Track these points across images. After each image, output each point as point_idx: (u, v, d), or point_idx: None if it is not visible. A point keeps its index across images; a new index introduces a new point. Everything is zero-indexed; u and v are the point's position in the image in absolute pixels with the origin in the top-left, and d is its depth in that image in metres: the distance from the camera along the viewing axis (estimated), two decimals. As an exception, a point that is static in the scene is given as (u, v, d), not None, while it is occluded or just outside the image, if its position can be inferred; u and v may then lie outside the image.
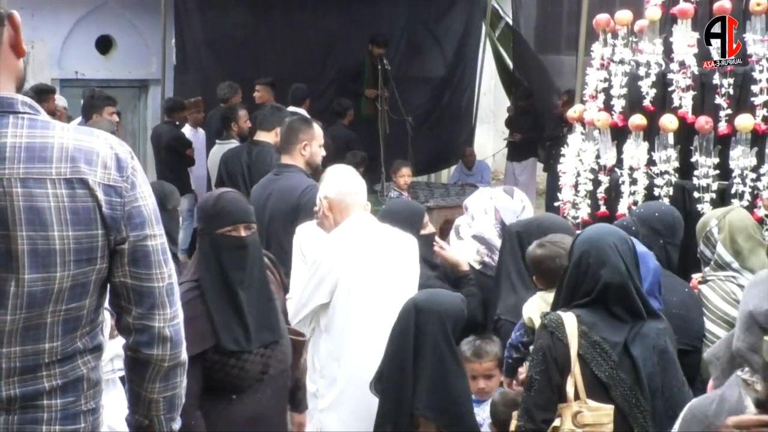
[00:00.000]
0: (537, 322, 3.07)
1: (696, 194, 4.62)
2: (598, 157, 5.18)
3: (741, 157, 4.51)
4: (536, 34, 11.68)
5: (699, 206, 4.54)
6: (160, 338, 1.99)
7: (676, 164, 4.74)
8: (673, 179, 4.73)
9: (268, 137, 6.58)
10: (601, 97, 5.27)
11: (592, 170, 5.17)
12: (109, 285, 1.97)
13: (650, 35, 4.98)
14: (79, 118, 7.35)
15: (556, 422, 2.83)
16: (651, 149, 4.85)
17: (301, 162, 4.89)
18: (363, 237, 3.76)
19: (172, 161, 8.87)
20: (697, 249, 3.80)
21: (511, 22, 11.22)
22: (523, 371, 3.34)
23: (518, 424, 2.95)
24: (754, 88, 4.52)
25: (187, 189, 8.58)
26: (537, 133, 10.58)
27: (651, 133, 4.88)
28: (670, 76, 4.80)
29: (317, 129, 5.03)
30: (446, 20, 11.56)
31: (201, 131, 9.25)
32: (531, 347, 3.06)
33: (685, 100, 4.72)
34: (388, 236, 3.84)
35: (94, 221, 1.86)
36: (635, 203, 4.79)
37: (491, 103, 13.27)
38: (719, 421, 2.18)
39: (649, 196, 4.75)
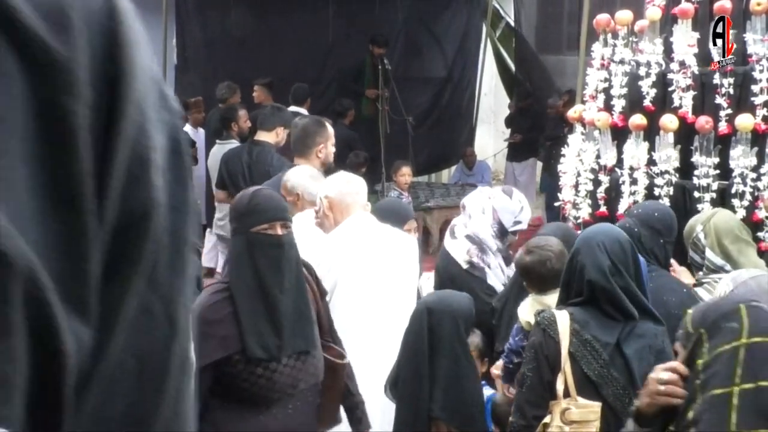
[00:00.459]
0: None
1: (696, 194, 4.62)
2: (598, 157, 5.18)
3: (741, 157, 4.51)
4: (537, 34, 11.70)
5: (699, 206, 4.54)
6: None
7: (677, 164, 4.75)
8: (674, 179, 4.73)
9: (269, 137, 6.59)
10: (602, 97, 5.28)
11: (593, 170, 5.17)
12: None
13: (650, 35, 4.99)
14: None
15: (546, 419, 2.86)
16: (651, 149, 4.85)
17: (317, 164, 4.85)
18: (363, 237, 3.77)
19: (173, 161, 8.88)
20: (687, 256, 3.81)
21: (512, 23, 11.23)
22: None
23: (511, 420, 2.99)
24: (755, 88, 4.53)
25: (188, 189, 8.59)
26: (537, 133, 10.59)
27: (651, 133, 4.89)
28: (670, 76, 4.80)
29: (330, 129, 5.06)
30: (446, 20, 11.57)
31: (201, 131, 9.25)
32: None
33: (685, 100, 4.72)
34: (387, 236, 3.84)
35: None
36: (635, 203, 4.79)
37: (492, 103, 13.27)
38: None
39: (650, 196, 4.75)
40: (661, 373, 2.24)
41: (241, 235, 2.93)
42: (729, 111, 4.58)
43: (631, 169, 4.91)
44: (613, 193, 5.03)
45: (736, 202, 4.43)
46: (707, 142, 4.64)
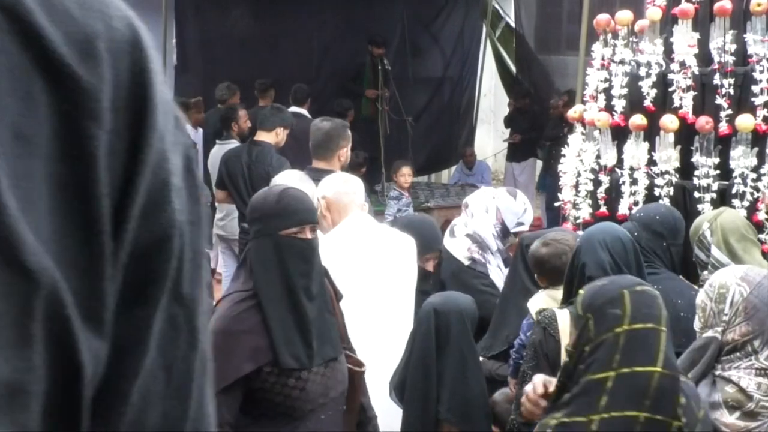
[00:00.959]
0: None
1: (696, 194, 4.61)
2: (598, 157, 5.18)
3: (741, 158, 4.51)
4: (536, 34, 11.69)
5: (699, 206, 4.54)
6: None
7: (677, 164, 4.74)
8: (674, 179, 4.73)
9: (269, 137, 6.59)
10: (602, 97, 5.27)
11: (593, 170, 5.17)
12: None
13: (651, 35, 4.98)
14: None
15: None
16: (651, 149, 4.84)
17: (337, 167, 4.80)
18: (360, 237, 3.76)
19: (175, 161, 8.87)
20: (692, 254, 3.81)
21: (512, 23, 11.23)
22: None
23: (511, 417, 2.98)
24: (755, 89, 4.52)
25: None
26: (536, 133, 10.59)
27: (651, 133, 4.88)
28: (670, 76, 4.80)
29: (349, 131, 5.07)
30: (445, 20, 11.57)
31: (201, 131, 9.25)
32: None
33: (685, 101, 4.72)
34: (385, 236, 3.84)
35: None
36: (636, 203, 4.79)
37: (491, 104, 13.27)
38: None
39: (650, 196, 4.75)
40: (528, 387, 2.42)
41: (267, 237, 2.75)
42: (729, 111, 4.57)
43: (632, 169, 4.91)
44: (614, 194, 5.03)
45: (736, 202, 4.42)
46: (707, 142, 4.63)
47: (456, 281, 4.16)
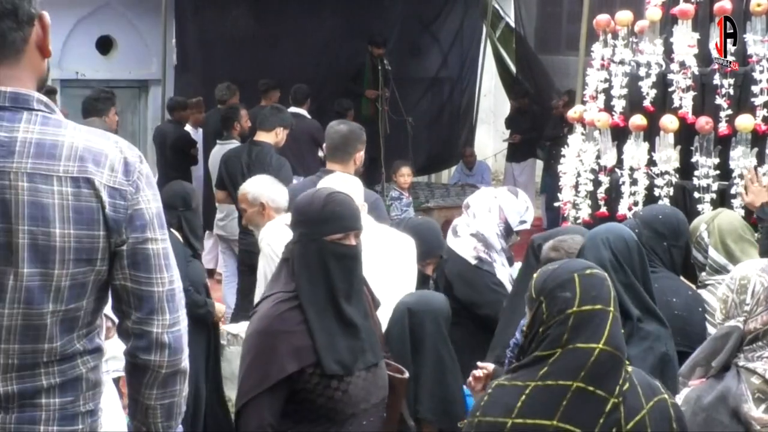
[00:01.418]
0: None
1: (696, 195, 4.61)
2: (598, 157, 5.18)
3: (741, 158, 4.51)
4: (536, 35, 11.69)
5: (699, 207, 4.53)
6: (158, 344, 1.97)
7: (677, 165, 4.74)
8: (674, 180, 4.73)
9: (268, 137, 6.59)
10: (602, 97, 5.27)
11: (593, 171, 5.17)
12: (111, 289, 1.97)
13: (650, 36, 4.98)
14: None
15: None
16: (651, 150, 4.84)
17: (352, 170, 4.75)
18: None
19: (176, 160, 8.88)
20: (690, 255, 3.81)
21: (512, 23, 11.24)
22: None
23: None
24: (755, 89, 4.52)
25: (189, 188, 8.59)
26: (536, 133, 10.59)
27: (651, 133, 4.88)
28: (670, 76, 4.80)
29: (364, 134, 5.03)
30: (444, 20, 11.58)
31: (201, 131, 9.26)
32: None
33: (685, 101, 4.72)
34: (384, 236, 3.84)
35: (96, 222, 1.86)
36: (635, 204, 4.79)
37: (491, 104, 13.28)
38: (716, 412, 2.45)
39: (650, 196, 4.75)
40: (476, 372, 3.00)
41: (312, 242, 2.74)
42: (729, 112, 4.57)
43: (631, 169, 4.91)
44: (613, 194, 5.03)
45: (736, 202, 4.42)
46: (707, 142, 4.63)
47: (464, 280, 4.17)
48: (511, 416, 2.13)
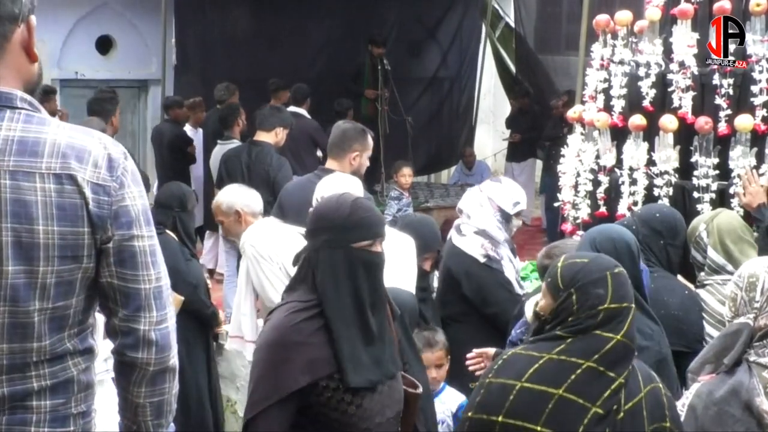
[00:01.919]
0: None
1: (696, 195, 4.62)
2: (597, 157, 5.18)
3: (741, 158, 4.51)
4: (536, 34, 11.69)
5: (698, 207, 4.54)
6: (145, 341, 1.95)
7: (676, 164, 4.74)
8: (673, 179, 4.73)
9: (268, 137, 6.58)
10: (601, 97, 5.28)
11: (592, 170, 5.17)
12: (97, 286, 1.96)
13: (650, 36, 4.98)
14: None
15: None
16: (651, 149, 4.85)
17: (348, 170, 4.70)
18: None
19: (173, 159, 8.88)
20: (689, 255, 3.82)
21: (512, 23, 11.24)
22: None
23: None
24: (754, 89, 4.52)
25: (187, 188, 8.58)
26: (536, 133, 10.60)
27: (651, 133, 4.88)
28: (669, 76, 4.80)
29: (370, 140, 4.88)
30: (444, 20, 11.58)
31: (201, 131, 9.26)
32: None
33: (684, 101, 4.72)
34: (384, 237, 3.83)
35: (80, 218, 1.85)
36: (635, 203, 4.79)
37: (491, 104, 13.29)
38: (728, 406, 2.53)
39: (649, 196, 4.75)
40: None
41: (338, 249, 2.62)
42: (728, 111, 4.57)
43: (631, 169, 4.91)
44: (613, 194, 5.03)
45: (735, 202, 4.43)
46: (707, 142, 4.63)
47: (472, 278, 4.20)
48: (520, 380, 2.31)
